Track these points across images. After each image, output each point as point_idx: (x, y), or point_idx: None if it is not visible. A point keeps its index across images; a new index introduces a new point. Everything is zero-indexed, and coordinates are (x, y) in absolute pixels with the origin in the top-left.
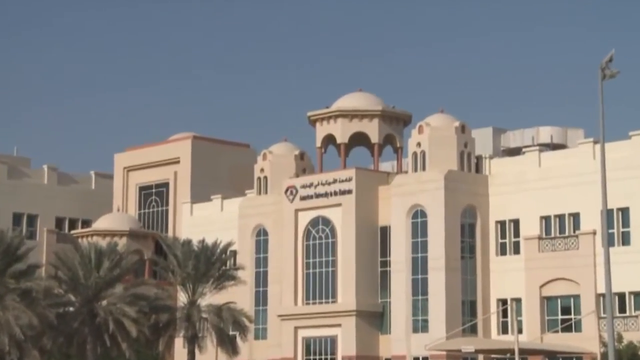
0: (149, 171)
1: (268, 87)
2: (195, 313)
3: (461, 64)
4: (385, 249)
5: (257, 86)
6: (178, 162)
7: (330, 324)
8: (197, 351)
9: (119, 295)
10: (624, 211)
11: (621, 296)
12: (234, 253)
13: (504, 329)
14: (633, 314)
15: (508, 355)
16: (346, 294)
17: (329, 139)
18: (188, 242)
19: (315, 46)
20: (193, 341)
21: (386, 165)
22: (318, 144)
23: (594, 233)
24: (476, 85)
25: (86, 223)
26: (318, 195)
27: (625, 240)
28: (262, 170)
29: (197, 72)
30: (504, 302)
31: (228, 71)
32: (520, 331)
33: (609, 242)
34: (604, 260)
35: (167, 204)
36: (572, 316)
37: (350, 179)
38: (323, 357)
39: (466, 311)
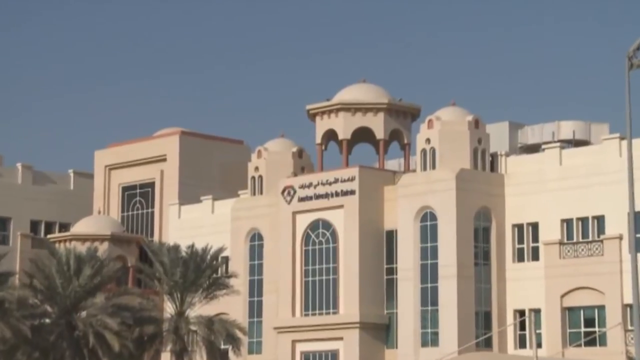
0: (133, 170)
1: (263, 78)
2: (183, 325)
3: (474, 52)
4: (391, 255)
5: (252, 77)
6: (165, 159)
7: (331, 337)
8: None
9: (99, 306)
10: None
11: None
12: (226, 259)
13: (522, 343)
14: None
15: None
16: (349, 305)
17: (330, 135)
18: (176, 248)
19: (315, 34)
20: (181, 356)
21: (392, 164)
22: (318, 140)
23: (620, 238)
24: (491, 76)
25: (64, 227)
26: (318, 196)
27: None
28: (256, 168)
29: (185, 63)
30: (521, 313)
31: (219, 61)
32: (539, 345)
33: (637, 247)
34: (631, 268)
35: (152, 206)
36: (597, 329)
37: (353, 179)
38: None
39: (480, 323)
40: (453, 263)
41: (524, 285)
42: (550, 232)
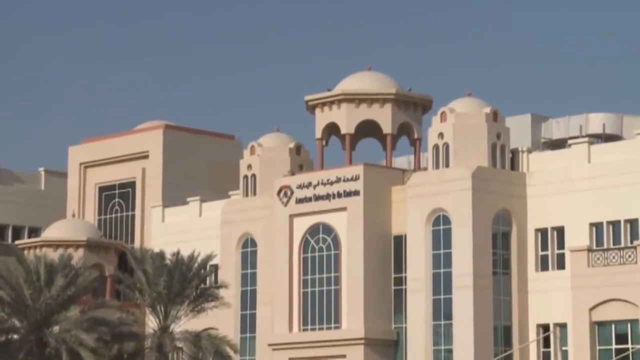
0: (111, 168)
1: (257, 67)
2: (167, 341)
3: (492, 37)
4: (399, 264)
5: (244, 65)
6: (147, 156)
7: (333, 355)
8: None
9: (74, 320)
10: None
11: None
12: (215, 268)
13: None
14: None
15: None
16: (352, 319)
17: (332, 129)
18: (159, 255)
19: (315, 18)
20: None
21: (401, 161)
22: (318, 134)
23: None
24: (511, 63)
25: (34, 232)
26: (318, 198)
27: None
28: (249, 166)
29: (169, 51)
30: (545, 328)
31: (207, 49)
32: None
33: None
34: None
35: (133, 208)
36: (629, 345)
37: (357, 178)
38: None
39: (499, 339)
40: (469, 272)
41: (548, 297)
42: (578, 237)
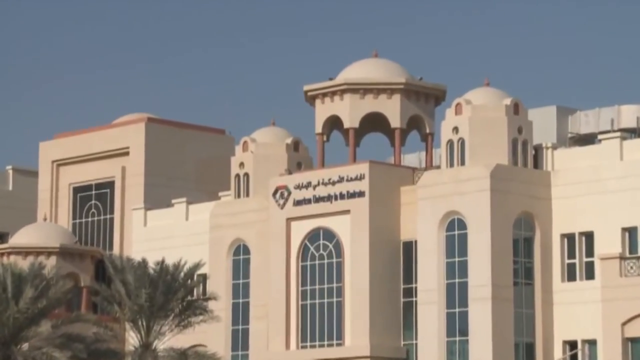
0: (87, 166)
1: (250, 55)
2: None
3: (513, 21)
4: (409, 273)
5: (236, 53)
6: (127, 153)
7: None
8: None
9: (45, 336)
10: None
11: None
12: (204, 278)
13: None
14: None
15: None
16: (357, 334)
17: (334, 123)
18: (141, 263)
19: (314, 1)
20: None
21: (411, 158)
22: (318, 129)
23: None
24: (534, 50)
25: (0, 237)
26: (318, 199)
27: None
28: (241, 164)
29: (152, 38)
30: (572, 345)
31: (194, 35)
32: None
33: None
34: None
35: (111, 211)
36: None
37: (362, 177)
38: None
39: (521, 357)
40: (487, 282)
41: (576, 311)
42: (609, 243)
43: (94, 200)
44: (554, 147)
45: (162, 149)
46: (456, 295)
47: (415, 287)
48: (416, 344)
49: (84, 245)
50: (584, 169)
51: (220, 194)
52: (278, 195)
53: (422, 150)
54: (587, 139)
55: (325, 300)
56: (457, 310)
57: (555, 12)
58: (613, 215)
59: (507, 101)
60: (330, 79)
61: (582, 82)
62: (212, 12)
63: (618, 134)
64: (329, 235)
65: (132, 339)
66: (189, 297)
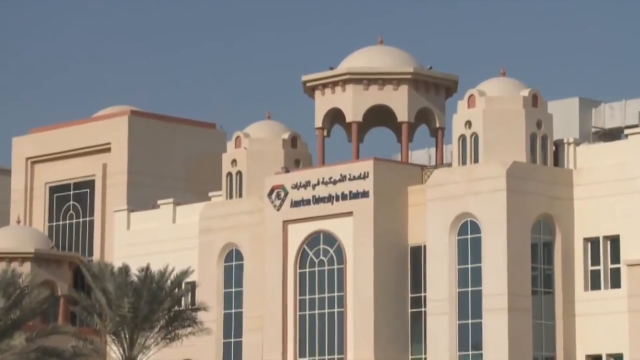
0: (65, 164)
1: (244, 43)
2: None
3: (531, 6)
4: (418, 281)
5: (228, 42)
6: (109, 150)
7: None
8: None
9: (19, 350)
10: None
11: None
12: (193, 286)
13: None
14: None
15: None
16: (360, 349)
17: (335, 117)
18: (123, 270)
19: None
20: None
21: (420, 155)
22: (318, 123)
23: None
24: (554, 36)
25: None
26: (318, 200)
27: None
28: (234, 162)
29: (136, 25)
30: (596, 359)
31: (182, 21)
32: None
33: None
34: None
35: (92, 214)
36: None
37: (366, 176)
38: None
39: None
40: (503, 291)
41: (600, 322)
42: (636, 248)
43: (72, 201)
44: (577, 143)
45: (147, 145)
46: (469, 305)
47: (425, 297)
48: (425, 358)
49: (62, 250)
50: (610, 167)
51: (210, 194)
52: (274, 195)
53: (432, 146)
54: (613, 134)
55: (326, 311)
56: (470, 322)
57: None
58: None
59: (525, 93)
60: (331, 69)
61: (607, 71)
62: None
63: None
64: (330, 239)
65: (114, 354)
66: (177, 308)
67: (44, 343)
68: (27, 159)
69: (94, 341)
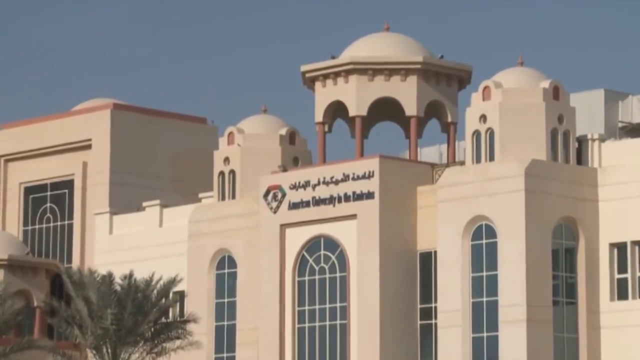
0: (42, 162)
1: (237, 31)
2: None
3: None
4: (428, 290)
5: (220, 29)
6: (89, 146)
7: None
8: None
9: None
10: None
11: None
12: (181, 296)
13: None
14: None
15: None
16: None
17: (337, 110)
18: (106, 278)
19: None
20: None
21: (430, 152)
22: (319, 117)
23: None
24: (576, 23)
25: None
26: (318, 202)
27: None
28: (226, 160)
29: (122, 12)
30: None
31: (170, 7)
32: None
33: None
34: None
35: (70, 216)
36: None
37: (371, 175)
38: None
39: None
40: (521, 302)
41: (627, 335)
42: None
43: (49, 202)
44: (602, 139)
45: (130, 141)
46: (484, 317)
47: (435, 307)
48: None
49: (37, 257)
50: (638, 165)
51: (200, 195)
52: (270, 196)
53: (443, 142)
54: None
55: (327, 324)
56: (485, 334)
57: None
58: None
59: (545, 84)
60: (333, 58)
61: (635, 60)
62: None
63: None
64: (332, 245)
65: None
66: (163, 319)
67: (18, 358)
68: (0, 156)
69: (73, 356)
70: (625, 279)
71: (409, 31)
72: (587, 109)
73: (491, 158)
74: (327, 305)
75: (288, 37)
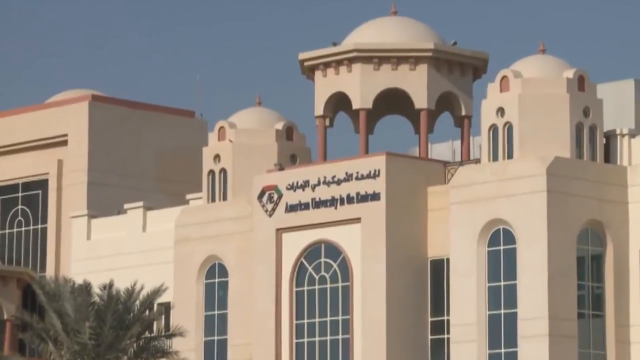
0: (12, 160)
1: (229, 15)
2: None
3: None
4: (440, 301)
5: (210, 13)
6: (65, 142)
7: None
8: None
9: None
10: None
11: None
12: (166, 308)
13: None
14: None
15: None
16: None
17: (339, 102)
18: (83, 288)
19: None
20: None
21: (442, 149)
22: (319, 110)
23: None
24: (603, 7)
25: None
26: (319, 204)
27: None
28: (217, 157)
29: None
30: None
31: None
32: None
33: None
34: None
35: (44, 220)
36: None
37: (376, 174)
38: None
39: None
40: (543, 314)
41: None
42: None
43: (20, 204)
44: (632, 135)
45: (111, 136)
46: (502, 330)
47: (448, 320)
48: None
49: (8, 264)
50: None
51: (188, 196)
52: (265, 198)
53: (457, 138)
54: None
55: (328, 338)
56: (502, 351)
57: None
58: None
59: (569, 73)
60: (335, 45)
61: None
62: None
63: None
64: (333, 251)
65: None
66: (147, 334)
67: None
68: None
69: None
70: None
71: (419, 15)
72: (616, 101)
73: (509, 155)
74: (328, 318)
75: (284, 22)
